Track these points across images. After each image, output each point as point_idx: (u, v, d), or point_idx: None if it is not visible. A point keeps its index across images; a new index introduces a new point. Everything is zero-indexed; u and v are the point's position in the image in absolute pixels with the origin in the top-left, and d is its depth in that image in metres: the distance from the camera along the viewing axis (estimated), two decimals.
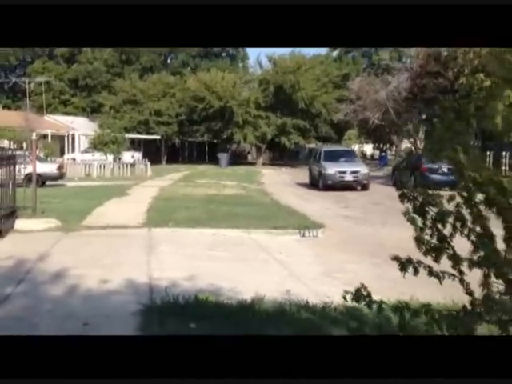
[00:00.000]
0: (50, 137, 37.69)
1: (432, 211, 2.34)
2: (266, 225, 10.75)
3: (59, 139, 40.60)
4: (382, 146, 53.43)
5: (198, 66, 54.63)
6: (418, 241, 2.17)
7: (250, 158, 53.76)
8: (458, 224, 2.30)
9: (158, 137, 46.19)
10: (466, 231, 2.32)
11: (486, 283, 2.27)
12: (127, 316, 4.84)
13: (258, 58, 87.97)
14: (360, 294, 2.36)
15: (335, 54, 53.13)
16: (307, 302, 5.29)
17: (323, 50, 52.73)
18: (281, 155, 51.41)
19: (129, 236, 9.53)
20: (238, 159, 47.76)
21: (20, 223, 9.90)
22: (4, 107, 49.12)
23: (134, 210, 13.14)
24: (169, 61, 59.87)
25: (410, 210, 2.22)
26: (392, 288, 4.91)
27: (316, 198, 18.00)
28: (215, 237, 9.63)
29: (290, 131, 43.79)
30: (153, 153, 43.53)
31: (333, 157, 22.26)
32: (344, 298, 2.37)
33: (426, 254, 2.17)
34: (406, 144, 39.82)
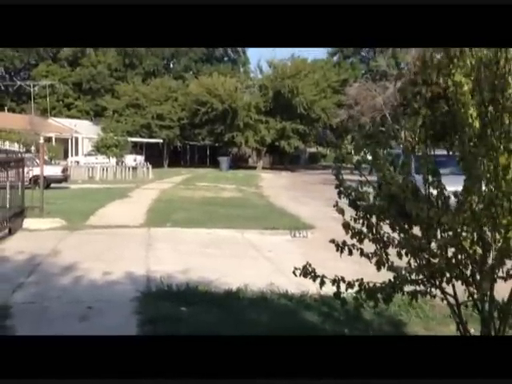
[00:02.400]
0: (54, 140, 38.41)
1: (362, 205, 3.00)
2: (259, 225, 11.38)
3: (63, 142, 41.35)
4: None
5: (199, 70, 55.30)
6: (346, 227, 2.82)
7: (250, 161, 54.39)
8: (382, 215, 2.96)
9: (160, 140, 46.85)
10: (388, 221, 2.98)
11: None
12: (126, 301, 5.51)
13: (258, 62, 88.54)
14: (307, 270, 3.02)
15: (335, 59, 53.86)
16: (287, 292, 5.94)
17: (323, 55, 53.43)
18: (281, 159, 52.00)
19: (129, 235, 10.20)
20: (238, 163, 48.37)
21: (28, 222, 10.60)
22: (9, 110, 49.90)
23: (134, 211, 13.82)
24: (171, 65, 60.59)
25: (340, 203, 2.87)
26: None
27: (310, 201, 18.64)
28: (210, 236, 10.26)
29: (289, 135, 44.49)
30: (155, 156, 44.23)
31: None
32: (293, 272, 3.02)
33: (352, 237, 2.83)
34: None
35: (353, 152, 2.79)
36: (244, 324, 4.79)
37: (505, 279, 2.78)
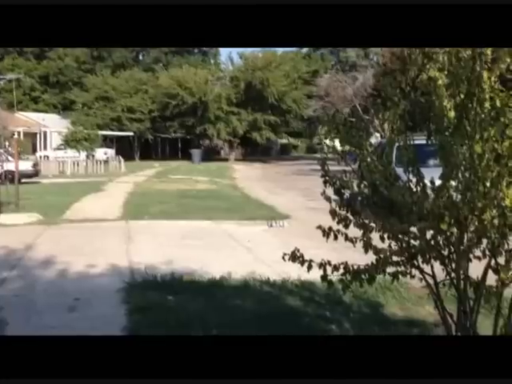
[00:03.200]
0: (22, 134, 37.70)
1: (346, 193, 3.19)
2: (235, 216, 11.55)
3: (31, 136, 40.62)
4: None
5: (169, 62, 54.94)
6: (333, 213, 3.01)
7: (222, 153, 54.46)
8: (365, 202, 3.16)
9: (131, 133, 46.47)
10: (372, 207, 3.17)
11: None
12: (112, 292, 5.61)
13: (229, 54, 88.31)
14: (295, 255, 3.19)
15: (304, 50, 54.17)
16: (268, 279, 6.12)
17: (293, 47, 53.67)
18: (253, 151, 52.20)
19: (108, 228, 10.23)
20: (210, 155, 48.38)
21: (4, 217, 10.52)
22: None
23: (110, 204, 13.81)
24: (141, 57, 60.00)
25: (327, 192, 3.05)
26: None
27: (284, 192, 18.88)
28: (187, 228, 10.36)
29: (261, 127, 44.72)
30: (126, 149, 43.87)
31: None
32: (283, 257, 3.19)
33: (338, 223, 3.02)
34: (373, 139, 41.10)
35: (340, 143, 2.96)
36: (229, 310, 4.96)
37: (479, 259, 3.00)
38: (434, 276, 3.19)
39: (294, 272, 6.37)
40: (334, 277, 3.19)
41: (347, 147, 2.97)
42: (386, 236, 3.14)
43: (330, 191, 3.19)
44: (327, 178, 3.17)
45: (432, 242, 2.97)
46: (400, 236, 3.10)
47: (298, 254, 3.17)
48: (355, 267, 3.19)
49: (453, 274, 3.12)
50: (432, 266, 3.18)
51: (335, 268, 3.16)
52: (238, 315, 4.77)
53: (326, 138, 3.12)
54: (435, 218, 2.89)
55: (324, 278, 3.13)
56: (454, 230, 2.89)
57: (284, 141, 58.41)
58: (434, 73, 2.97)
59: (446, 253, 3.05)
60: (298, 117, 45.61)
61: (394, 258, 3.14)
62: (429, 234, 3.01)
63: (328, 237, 3.16)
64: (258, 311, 4.94)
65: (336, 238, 3.18)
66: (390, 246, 3.18)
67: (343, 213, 3.01)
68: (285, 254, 3.19)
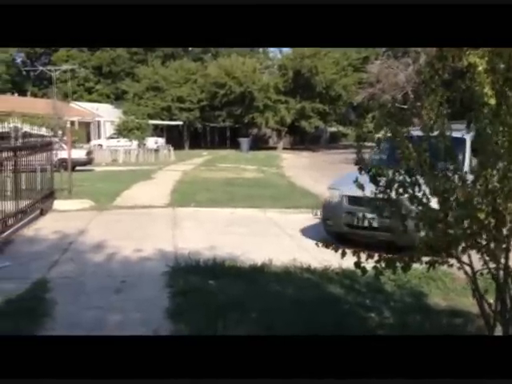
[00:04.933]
0: (77, 123, 38.98)
1: (382, 180, 3.18)
2: (281, 205, 11.61)
3: (85, 126, 41.96)
4: None
5: (218, 51, 55.28)
6: (365, 201, 3.01)
7: (271, 142, 54.50)
8: (401, 189, 3.14)
9: (181, 123, 47.18)
10: (406, 195, 3.16)
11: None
12: (157, 275, 5.80)
13: None
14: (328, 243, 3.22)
15: None
16: (309, 266, 6.17)
17: None
18: (302, 139, 51.94)
19: (155, 214, 10.51)
20: (259, 144, 48.50)
21: (58, 203, 10.99)
22: (31, 95, 50.67)
23: (159, 192, 14.15)
24: (190, 47, 60.63)
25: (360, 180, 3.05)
26: None
27: (331, 180, 18.74)
28: (233, 215, 10.51)
29: (309, 115, 44.43)
30: (175, 138, 44.63)
31: None
32: (316, 244, 3.22)
33: (372, 212, 3.03)
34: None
35: (373, 130, 2.96)
36: (269, 295, 5.04)
37: None
38: (471, 265, 3.16)
39: (333, 259, 6.45)
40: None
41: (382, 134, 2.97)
42: (421, 224, 3.12)
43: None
44: (361, 165, 3.17)
45: (468, 231, 2.94)
46: (436, 224, 3.08)
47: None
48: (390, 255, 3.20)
49: (491, 264, 3.08)
50: (469, 256, 3.14)
51: (369, 256, 3.18)
52: (277, 301, 4.84)
53: (375, 130, 3.11)
54: (472, 206, 2.86)
55: (357, 264, 3.15)
56: (491, 219, 2.85)
57: (333, 129, 57.80)
58: (473, 59, 2.92)
59: (483, 242, 3.01)
60: (346, 104, 45.03)
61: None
62: (465, 222, 2.97)
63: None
64: (297, 297, 4.99)
65: (370, 225, 3.20)
66: (426, 234, 3.16)
67: (377, 202, 3.02)
68: (318, 242, 3.23)
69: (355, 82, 42.91)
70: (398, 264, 3.16)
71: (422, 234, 3.12)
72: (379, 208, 3.01)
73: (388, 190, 3.14)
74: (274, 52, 52.67)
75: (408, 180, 3.09)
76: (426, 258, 3.18)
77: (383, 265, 3.14)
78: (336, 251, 3.20)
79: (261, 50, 59.11)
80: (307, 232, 9.02)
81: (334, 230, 7.92)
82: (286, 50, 47.75)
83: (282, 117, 44.41)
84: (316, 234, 8.61)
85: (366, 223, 7.16)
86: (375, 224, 7.18)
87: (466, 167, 3.07)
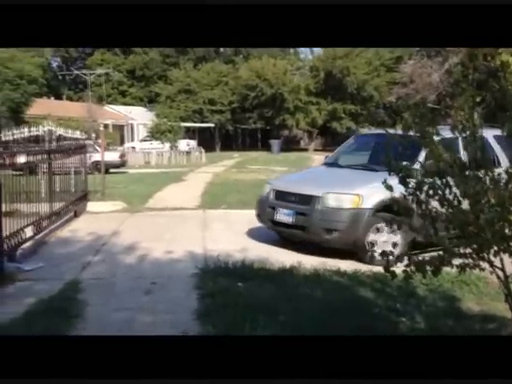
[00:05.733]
0: (111, 126, 39.66)
1: (412, 182, 3.12)
2: None
3: (119, 128, 42.67)
4: None
5: (250, 53, 55.41)
6: (394, 202, 2.96)
7: (302, 143, 54.27)
8: (431, 191, 3.08)
9: (212, 125, 47.45)
10: (437, 197, 3.09)
11: None
12: (186, 277, 5.84)
13: None
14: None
15: None
16: (339, 269, 6.11)
17: None
18: (333, 141, 51.56)
19: (186, 216, 10.58)
20: (290, 145, 48.37)
21: (92, 205, 11.19)
22: (67, 98, 51.82)
23: (190, 193, 14.26)
24: (222, 49, 60.94)
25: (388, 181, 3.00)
26: None
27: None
28: None
29: (341, 116, 44.10)
30: (207, 140, 44.90)
31: None
32: None
33: (399, 214, 2.97)
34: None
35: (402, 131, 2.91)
36: (298, 298, 5.01)
37: None
38: (503, 269, 3.07)
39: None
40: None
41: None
42: (451, 227, 3.06)
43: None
44: (391, 166, 3.12)
45: (500, 234, 2.86)
46: (466, 227, 3.01)
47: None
48: (420, 258, 3.14)
49: None
50: (502, 259, 3.06)
51: (398, 259, 3.13)
52: (306, 304, 4.81)
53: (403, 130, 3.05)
54: (504, 208, 2.78)
55: (386, 268, 3.10)
56: None
57: (365, 130, 57.22)
58: (506, 57, 2.84)
59: None
60: (379, 105, 44.51)
61: (461, 250, 3.05)
62: (497, 225, 2.89)
63: (391, 226, 3.12)
64: (326, 300, 4.95)
65: (399, 227, 3.14)
66: (456, 236, 3.09)
67: (406, 203, 2.96)
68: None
69: (387, 83, 42.40)
70: (428, 268, 3.10)
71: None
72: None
73: (418, 192, 3.08)
74: (305, 53, 52.57)
75: (438, 182, 3.04)
76: (457, 262, 3.11)
77: (413, 269, 3.09)
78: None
79: (292, 51, 59.04)
80: None
81: (265, 225, 7.87)
82: (317, 50, 47.60)
83: (313, 118, 44.22)
84: None
85: (283, 219, 7.18)
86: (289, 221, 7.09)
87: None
